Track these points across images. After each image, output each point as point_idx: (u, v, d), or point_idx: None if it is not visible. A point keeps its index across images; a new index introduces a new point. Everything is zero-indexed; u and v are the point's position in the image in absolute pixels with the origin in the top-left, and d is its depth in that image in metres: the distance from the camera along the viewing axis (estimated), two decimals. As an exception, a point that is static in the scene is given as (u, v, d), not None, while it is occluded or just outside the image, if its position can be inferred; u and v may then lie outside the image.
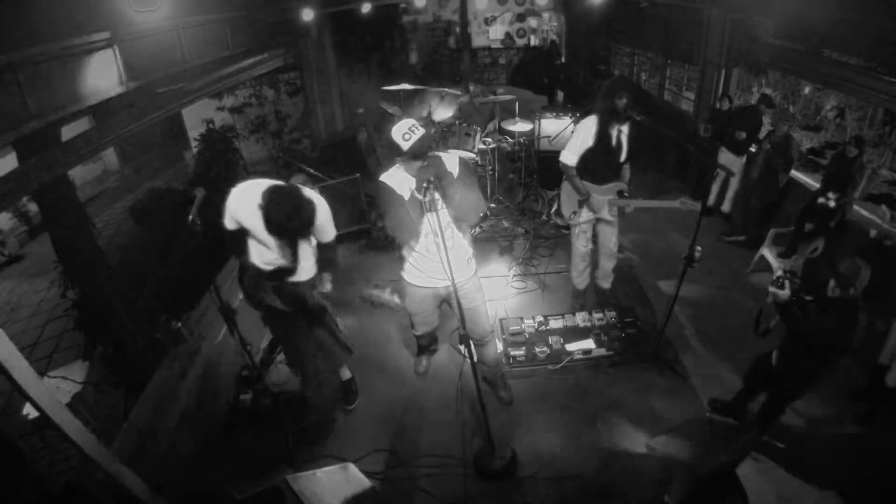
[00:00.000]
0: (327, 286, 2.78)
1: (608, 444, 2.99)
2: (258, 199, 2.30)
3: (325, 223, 2.62)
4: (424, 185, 2.29)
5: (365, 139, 7.11)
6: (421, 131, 2.45)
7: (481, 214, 2.87)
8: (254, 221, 2.38)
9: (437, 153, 2.62)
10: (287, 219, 2.30)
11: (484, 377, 3.37)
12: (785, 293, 2.38)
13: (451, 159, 2.62)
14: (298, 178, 2.54)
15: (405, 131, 2.43)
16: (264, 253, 2.56)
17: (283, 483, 2.38)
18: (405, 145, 2.43)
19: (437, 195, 2.35)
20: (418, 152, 2.45)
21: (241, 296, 2.93)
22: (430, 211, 2.30)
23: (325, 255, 2.74)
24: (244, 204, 2.38)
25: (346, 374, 3.31)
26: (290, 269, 2.62)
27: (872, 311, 3.08)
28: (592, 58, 9.72)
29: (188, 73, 4.32)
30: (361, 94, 8.04)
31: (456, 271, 2.70)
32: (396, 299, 2.90)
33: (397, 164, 2.61)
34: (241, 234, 2.52)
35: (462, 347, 3.72)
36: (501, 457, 2.83)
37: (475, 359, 3.42)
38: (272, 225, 2.31)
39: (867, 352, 3.14)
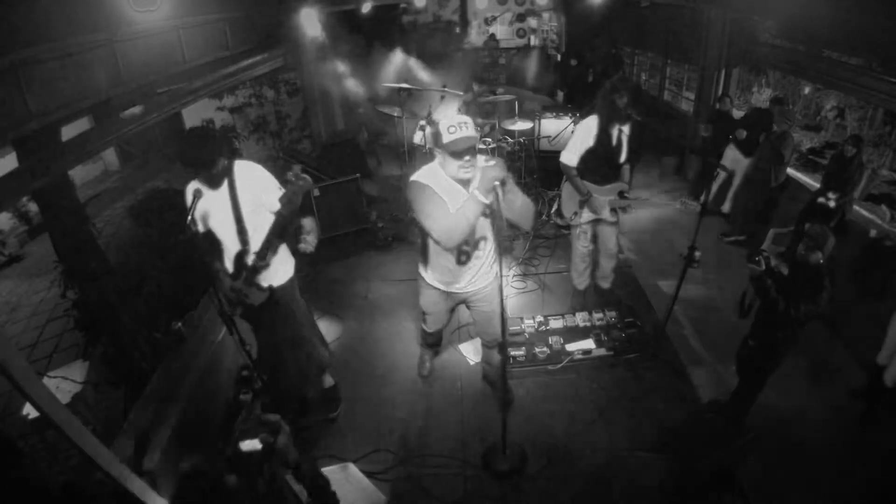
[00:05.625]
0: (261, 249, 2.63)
1: (608, 444, 2.99)
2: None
3: (267, 183, 2.58)
4: (497, 183, 2.10)
5: (365, 139, 7.11)
6: (470, 130, 2.18)
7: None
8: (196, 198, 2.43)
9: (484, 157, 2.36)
10: (192, 146, 2.38)
11: (485, 376, 3.38)
12: (760, 268, 2.54)
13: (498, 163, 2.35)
14: (296, 168, 2.51)
15: (452, 124, 2.20)
16: (227, 243, 2.64)
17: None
18: (447, 137, 2.21)
19: (500, 198, 2.15)
20: (459, 150, 2.21)
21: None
22: (489, 216, 2.12)
23: (278, 222, 2.61)
24: (188, 187, 2.52)
25: (328, 381, 3.27)
26: (244, 250, 2.61)
27: (873, 310, 3.08)
28: (606, 61, 9.64)
29: (188, 73, 4.31)
30: (361, 93, 8.03)
31: (481, 276, 2.67)
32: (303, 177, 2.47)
33: (433, 164, 2.42)
34: (210, 235, 2.63)
35: (461, 348, 3.74)
36: (511, 455, 2.83)
37: (480, 359, 3.43)
38: (185, 157, 2.41)
39: (866, 351, 3.14)
